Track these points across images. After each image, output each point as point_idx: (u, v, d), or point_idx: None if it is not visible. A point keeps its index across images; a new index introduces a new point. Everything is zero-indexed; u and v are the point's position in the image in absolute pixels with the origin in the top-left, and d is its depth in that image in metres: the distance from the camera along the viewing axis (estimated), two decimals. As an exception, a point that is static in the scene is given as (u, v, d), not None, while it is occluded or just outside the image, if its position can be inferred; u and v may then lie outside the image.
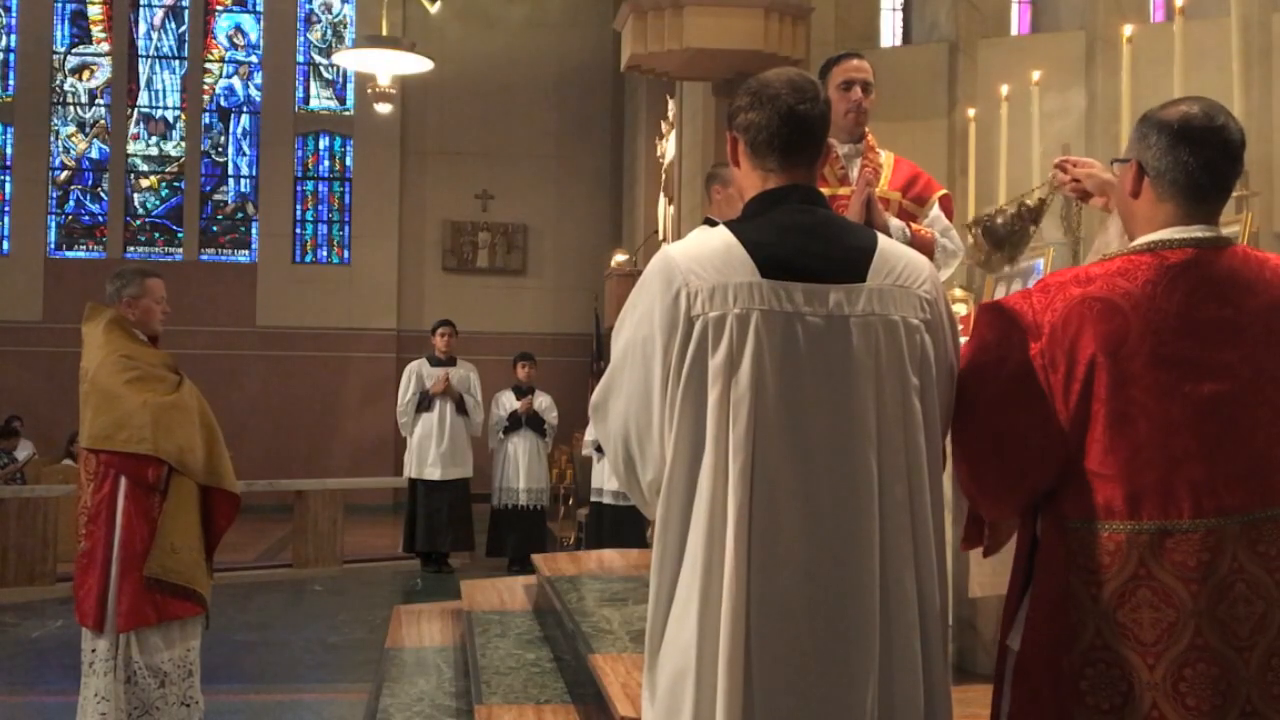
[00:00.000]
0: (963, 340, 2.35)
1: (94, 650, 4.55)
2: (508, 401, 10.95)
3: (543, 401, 11.02)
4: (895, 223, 4.06)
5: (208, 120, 17.39)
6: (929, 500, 2.17)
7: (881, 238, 2.29)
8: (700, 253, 2.18)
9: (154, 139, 17.32)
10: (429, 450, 10.66)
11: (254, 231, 17.28)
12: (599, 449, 10.35)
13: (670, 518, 2.14)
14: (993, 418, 2.22)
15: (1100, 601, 2.11)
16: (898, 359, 2.16)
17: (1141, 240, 2.23)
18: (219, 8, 17.53)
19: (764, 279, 2.13)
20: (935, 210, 4.26)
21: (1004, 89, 6.06)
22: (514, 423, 10.90)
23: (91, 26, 17.28)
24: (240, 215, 17.41)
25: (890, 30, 11.24)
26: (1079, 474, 2.15)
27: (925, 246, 4.11)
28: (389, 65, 12.08)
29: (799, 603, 2.08)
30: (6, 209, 16.83)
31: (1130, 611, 2.10)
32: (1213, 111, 2.24)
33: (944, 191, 4.35)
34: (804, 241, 2.18)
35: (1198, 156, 2.20)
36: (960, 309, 4.69)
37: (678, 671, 2.10)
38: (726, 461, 2.09)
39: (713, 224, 5.11)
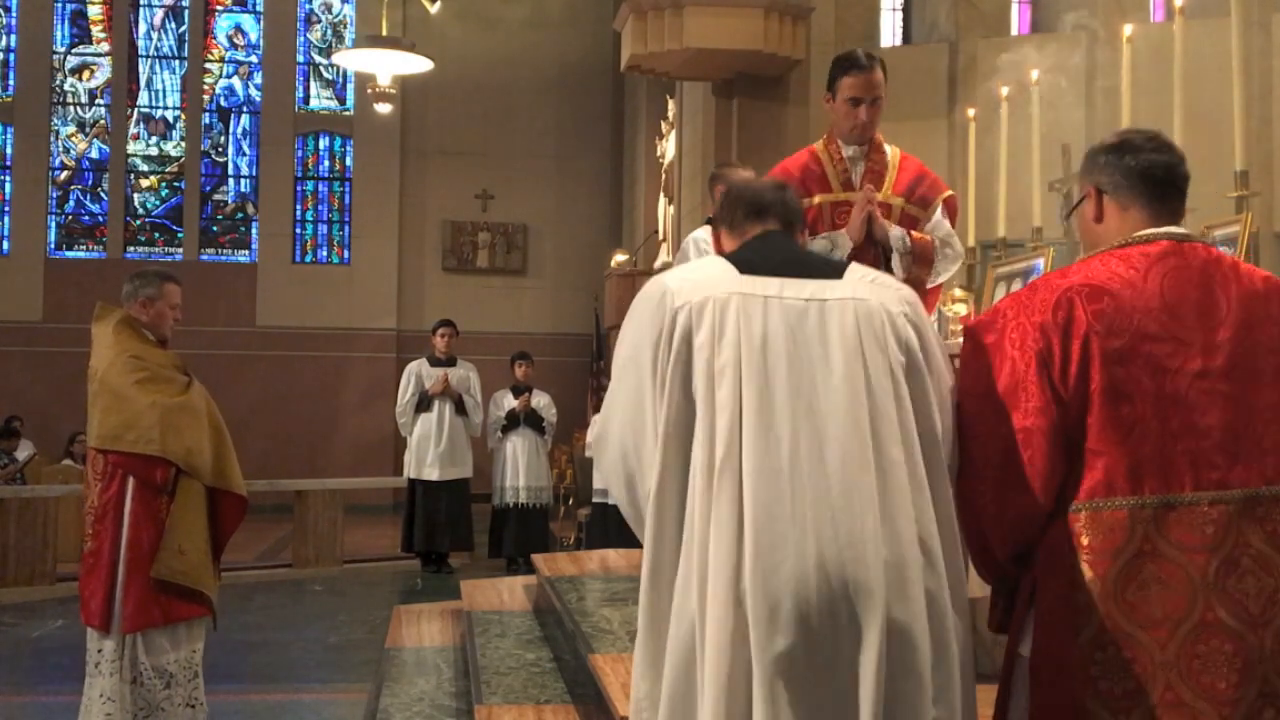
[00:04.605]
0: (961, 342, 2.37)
1: (100, 650, 4.53)
2: (506, 401, 10.95)
3: (541, 400, 11.01)
4: (896, 233, 4.05)
5: (208, 120, 17.38)
6: (923, 469, 2.17)
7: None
8: (685, 271, 2.36)
9: (154, 139, 17.31)
10: (428, 450, 10.65)
11: (254, 231, 17.28)
12: (599, 449, 10.33)
13: (667, 481, 2.17)
14: (1001, 427, 2.23)
15: (1107, 581, 2.11)
16: (880, 337, 2.21)
17: (1117, 240, 2.31)
18: (219, 8, 17.52)
19: (742, 275, 2.26)
20: (938, 215, 4.22)
21: (1004, 89, 6.06)
22: (512, 421, 10.89)
23: (91, 26, 17.27)
24: (240, 215, 17.40)
25: (890, 30, 11.23)
26: (1080, 456, 2.17)
27: (925, 250, 4.11)
28: (389, 65, 12.09)
29: (799, 556, 2.07)
30: (6, 209, 16.82)
31: (1138, 589, 2.10)
32: (1150, 132, 2.39)
33: (950, 193, 4.30)
34: (780, 254, 2.33)
35: (1149, 159, 2.33)
36: (960, 309, 4.68)
37: (685, 613, 2.11)
38: (713, 417, 2.14)
39: (715, 223, 5.13)
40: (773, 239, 2.39)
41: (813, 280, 2.26)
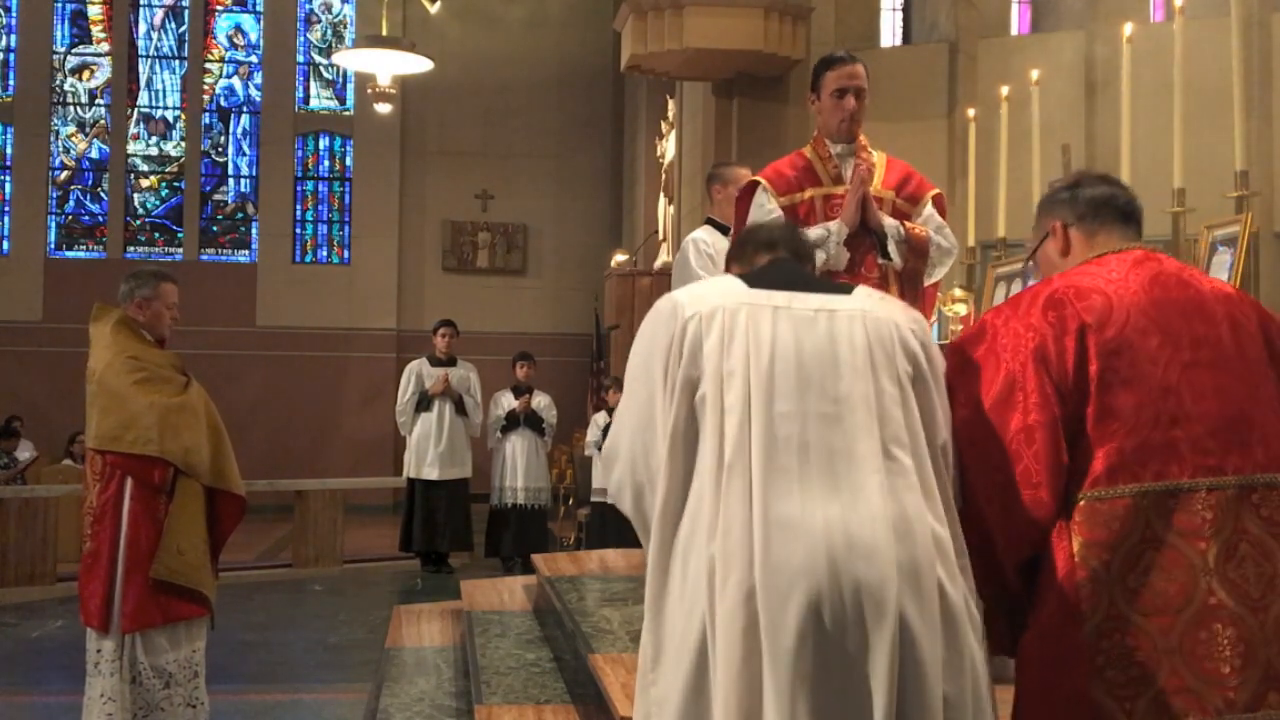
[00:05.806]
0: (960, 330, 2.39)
1: (99, 651, 4.53)
2: (506, 401, 10.95)
3: (541, 400, 11.01)
4: (890, 221, 4.06)
5: (208, 120, 17.38)
6: (932, 478, 2.17)
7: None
8: (696, 287, 2.39)
9: (154, 139, 17.31)
10: (428, 450, 10.66)
11: (254, 231, 17.27)
12: (600, 448, 10.34)
13: (673, 487, 2.17)
14: (1000, 430, 2.26)
15: (1112, 569, 2.13)
16: (888, 347, 2.22)
17: (1093, 254, 2.39)
18: (219, 8, 17.52)
19: (752, 289, 2.28)
20: (929, 209, 4.24)
21: (1004, 89, 6.07)
22: (512, 422, 10.90)
23: (91, 26, 17.27)
24: (240, 215, 17.40)
25: (890, 30, 11.23)
26: (1080, 451, 2.20)
27: (920, 243, 4.12)
28: (389, 65, 12.10)
29: (807, 540, 2.07)
30: (6, 209, 16.82)
31: (1141, 575, 2.12)
32: (1102, 173, 2.55)
33: (937, 191, 4.34)
34: (789, 275, 2.36)
35: (1109, 190, 2.47)
36: (960, 309, 4.69)
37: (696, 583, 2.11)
38: (721, 420, 2.15)
39: (714, 223, 5.13)
40: (782, 263, 2.43)
41: (821, 295, 2.28)
